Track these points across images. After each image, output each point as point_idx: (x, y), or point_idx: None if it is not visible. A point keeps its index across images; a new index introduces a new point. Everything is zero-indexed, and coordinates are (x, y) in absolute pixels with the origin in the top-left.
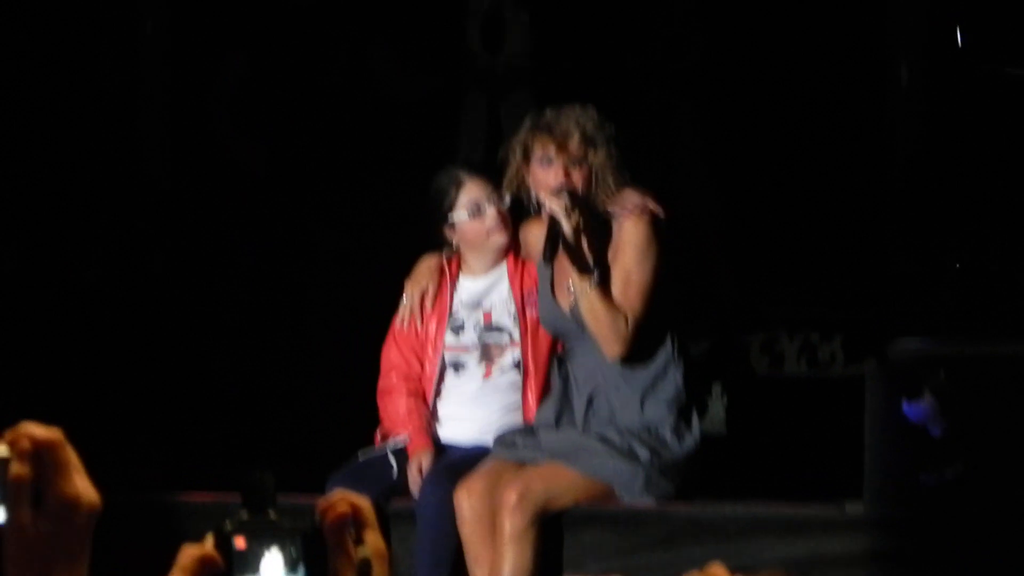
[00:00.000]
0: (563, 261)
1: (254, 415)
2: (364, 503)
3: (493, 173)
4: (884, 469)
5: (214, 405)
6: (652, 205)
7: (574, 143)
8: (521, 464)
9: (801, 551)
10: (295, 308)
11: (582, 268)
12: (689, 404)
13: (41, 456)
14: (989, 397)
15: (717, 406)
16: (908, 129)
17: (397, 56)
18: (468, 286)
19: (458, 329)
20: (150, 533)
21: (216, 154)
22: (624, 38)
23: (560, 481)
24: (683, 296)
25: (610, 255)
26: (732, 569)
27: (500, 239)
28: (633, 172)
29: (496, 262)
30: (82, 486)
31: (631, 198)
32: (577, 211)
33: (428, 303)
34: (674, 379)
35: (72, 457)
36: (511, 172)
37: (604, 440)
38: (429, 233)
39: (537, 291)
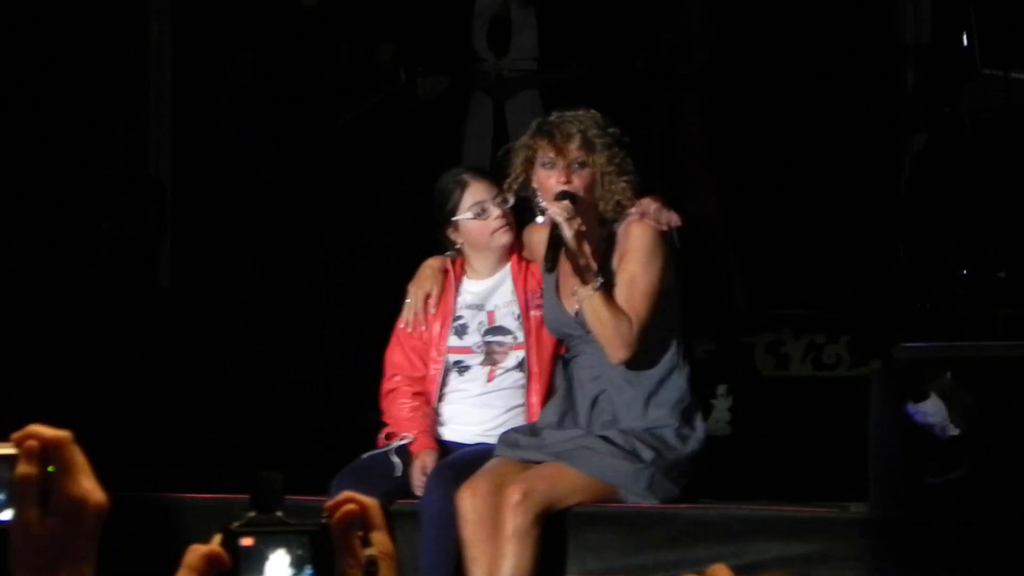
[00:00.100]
0: (567, 265)
1: (259, 417)
2: (372, 503)
3: (498, 175)
4: (888, 470)
5: (219, 406)
6: (671, 219)
7: (575, 147)
8: (525, 464)
9: (805, 552)
10: (300, 310)
11: (585, 272)
12: (693, 406)
13: (48, 456)
14: (994, 399)
15: (722, 407)
16: (914, 131)
17: (403, 58)
18: (472, 287)
19: (462, 331)
20: (157, 533)
21: (221, 154)
22: (631, 41)
23: (564, 481)
24: (689, 299)
25: (615, 259)
26: (735, 570)
27: (504, 240)
28: (640, 176)
29: (500, 263)
30: (89, 486)
31: (649, 207)
32: (578, 216)
33: (432, 305)
34: (678, 382)
35: (79, 457)
36: (514, 174)
37: (608, 441)
38: (433, 234)
39: (541, 292)
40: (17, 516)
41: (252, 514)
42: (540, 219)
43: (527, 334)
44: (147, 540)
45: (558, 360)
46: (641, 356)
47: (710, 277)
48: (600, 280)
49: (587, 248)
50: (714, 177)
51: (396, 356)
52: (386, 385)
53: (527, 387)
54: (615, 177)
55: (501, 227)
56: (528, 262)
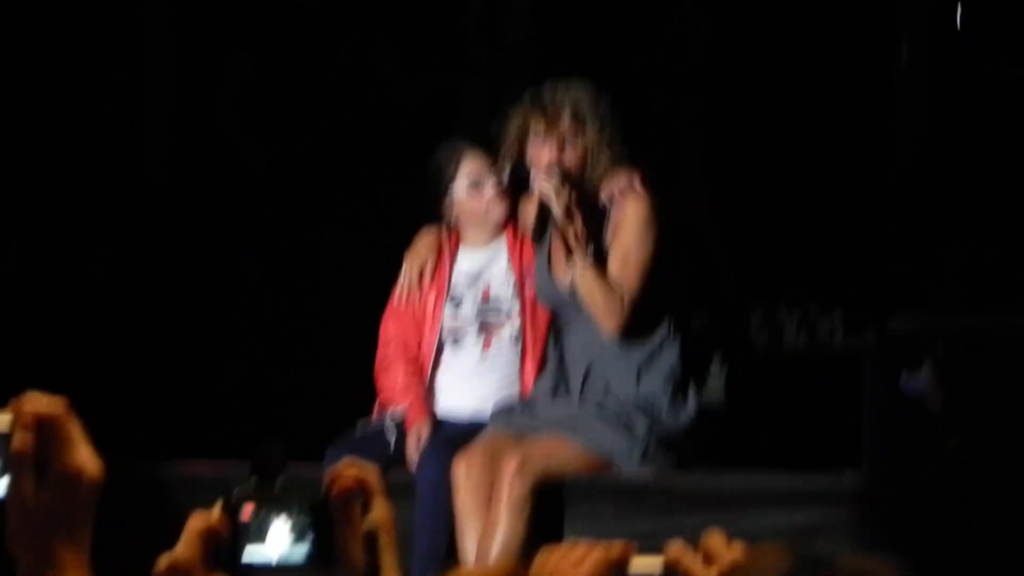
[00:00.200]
0: (559, 237)
1: (253, 387)
2: (371, 473)
3: (494, 148)
4: (882, 441)
5: (215, 378)
6: (638, 185)
7: (565, 121)
8: (519, 436)
9: (799, 521)
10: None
11: (575, 246)
12: (685, 378)
13: (44, 428)
14: (988, 371)
15: (716, 379)
16: (910, 112)
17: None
18: (467, 260)
19: (457, 303)
20: (154, 504)
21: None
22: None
23: (559, 452)
24: (682, 273)
25: (609, 233)
26: (730, 537)
27: (499, 213)
28: (631, 150)
29: (495, 236)
30: (85, 458)
31: (620, 179)
32: (567, 189)
33: (427, 277)
34: (669, 354)
35: (75, 429)
36: (507, 147)
37: (602, 412)
38: (428, 207)
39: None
40: (12, 488)
41: (253, 483)
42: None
43: (522, 306)
44: (146, 510)
45: (551, 332)
46: (632, 328)
47: (702, 256)
48: (591, 252)
49: (577, 221)
50: (708, 166)
51: (391, 328)
52: (380, 356)
53: (522, 359)
54: (605, 151)
55: (496, 200)
56: (523, 235)
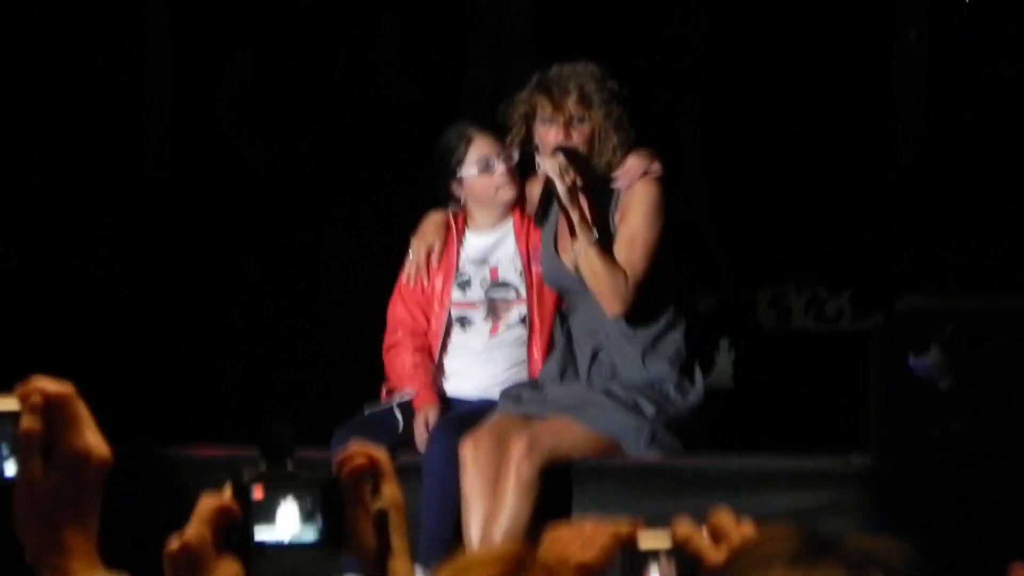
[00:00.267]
0: (565, 219)
1: (261, 371)
2: (382, 455)
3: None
4: (890, 422)
5: (223, 361)
6: (653, 168)
7: (572, 102)
8: (527, 418)
9: (807, 503)
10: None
11: (579, 227)
12: (691, 360)
13: (52, 411)
14: (995, 351)
15: (725, 360)
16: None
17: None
18: (474, 242)
19: (464, 285)
20: (164, 486)
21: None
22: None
23: (567, 435)
24: (688, 254)
25: (618, 215)
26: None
27: (508, 195)
28: (638, 131)
29: (503, 217)
30: (92, 440)
31: (633, 164)
32: (572, 171)
33: (434, 259)
34: (675, 337)
35: (83, 411)
36: (514, 130)
37: (609, 395)
38: (434, 190)
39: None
40: (21, 471)
41: (263, 465)
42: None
43: (529, 289)
44: (156, 492)
45: (558, 315)
46: (638, 311)
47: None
48: (596, 234)
49: (582, 203)
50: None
51: (398, 310)
52: (388, 339)
53: (529, 342)
54: (612, 132)
55: (505, 182)
56: (530, 217)
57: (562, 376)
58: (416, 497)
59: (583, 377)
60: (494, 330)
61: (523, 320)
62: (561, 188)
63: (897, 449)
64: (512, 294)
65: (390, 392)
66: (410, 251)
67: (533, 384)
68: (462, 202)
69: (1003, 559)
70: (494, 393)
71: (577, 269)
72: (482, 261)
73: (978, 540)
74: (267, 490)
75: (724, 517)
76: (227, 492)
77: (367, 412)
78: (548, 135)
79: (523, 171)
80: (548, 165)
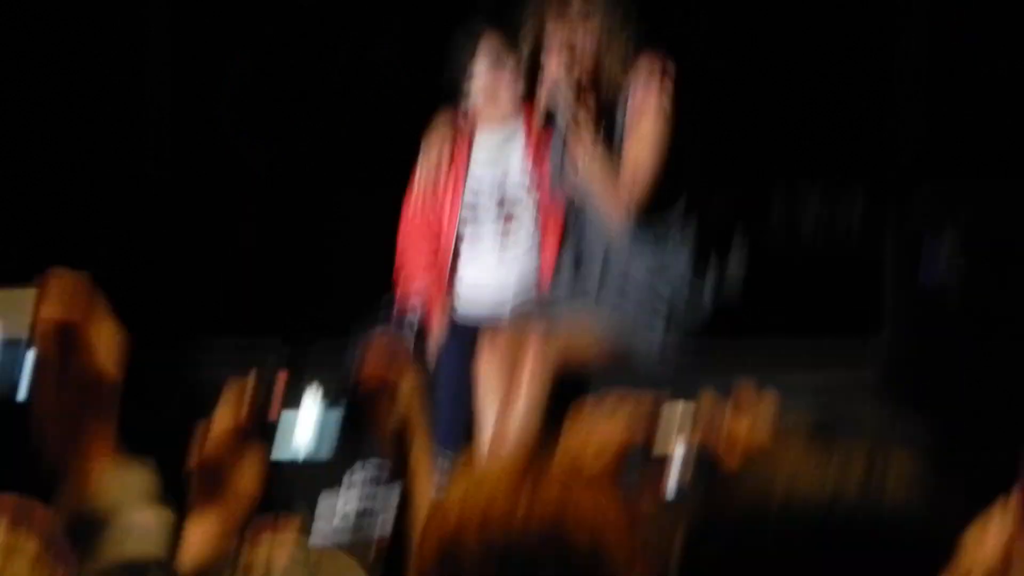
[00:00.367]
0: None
1: (279, 265)
2: (402, 344)
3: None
4: (905, 306)
5: (241, 254)
6: (663, 71)
7: (577, 5)
8: (543, 321)
9: (823, 382)
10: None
11: (584, 131)
12: (704, 265)
13: (64, 335)
14: (1010, 236)
15: (737, 261)
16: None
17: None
18: (485, 141)
19: (476, 193)
20: (187, 376)
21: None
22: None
23: (581, 336)
24: (697, 157)
25: (628, 121)
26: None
27: (516, 89)
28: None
29: (512, 118)
30: (103, 362)
31: (643, 64)
32: (579, 72)
33: (445, 158)
34: (687, 243)
35: (94, 334)
36: (523, 33)
37: (622, 298)
38: (447, 87)
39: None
40: (36, 393)
41: (287, 351)
42: None
43: (539, 195)
44: (179, 382)
45: (568, 223)
46: (647, 217)
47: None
48: (601, 143)
49: (588, 105)
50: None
51: (415, 205)
52: (404, 228)
53: (540, 249)
54: (619, 35)
55: (514, 78)
56: (539, 124)
57: (573, 284)
58: (428, 408)
59: (594, 284)
60: (505, 235)
61: (534, 227)
62: (568, 91)
63: (911, 331)
64: (522, 203)
65: (403, 303)
66: (421, 152)
67: (545, 292)
68: (472, 100)
69: (1017, 430)
70: (505, 300)
71: (585, 171)
72: (493, 161)
73: (992, 413)
74: (291, 375)
75: (747, 390)
76: (252, 379)
77: (379, 329)
78: (555, 38)
79: (533, 77)
80: (555, 67)
